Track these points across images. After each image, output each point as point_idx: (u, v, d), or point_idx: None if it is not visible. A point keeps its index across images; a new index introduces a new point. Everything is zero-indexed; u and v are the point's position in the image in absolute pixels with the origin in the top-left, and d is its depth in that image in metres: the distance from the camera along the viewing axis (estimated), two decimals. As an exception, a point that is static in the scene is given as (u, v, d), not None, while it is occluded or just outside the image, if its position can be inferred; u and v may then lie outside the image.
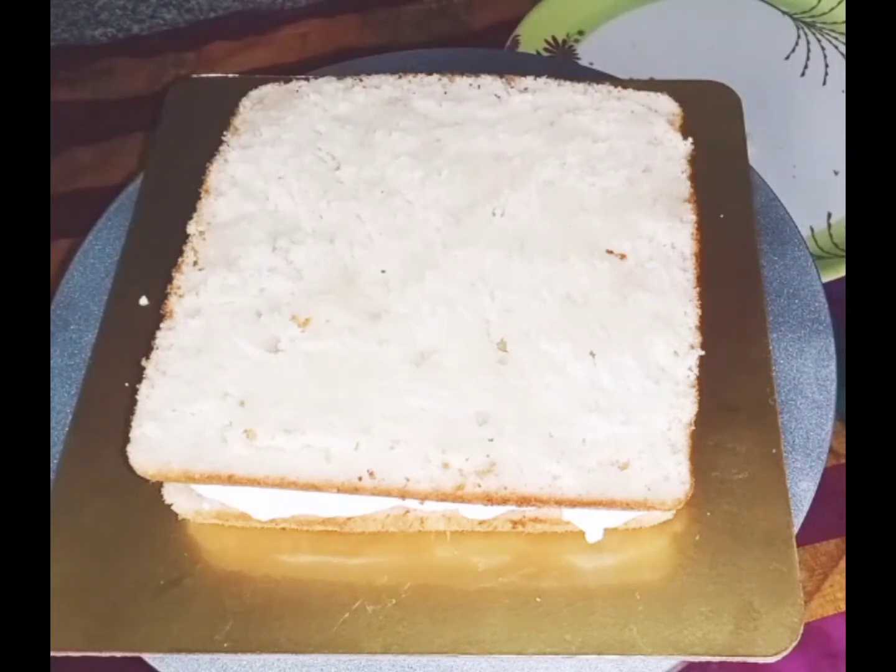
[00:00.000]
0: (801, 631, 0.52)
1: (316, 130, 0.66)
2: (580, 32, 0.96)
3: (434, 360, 0.56)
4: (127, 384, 0.59)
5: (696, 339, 0.57)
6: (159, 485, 0.56)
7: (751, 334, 0.61)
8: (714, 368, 0.57)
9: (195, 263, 0.61)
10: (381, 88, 0.69)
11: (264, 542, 0.57)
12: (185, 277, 0.60)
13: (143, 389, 0.56)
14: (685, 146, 0.65)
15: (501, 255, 0.60)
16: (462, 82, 0.69)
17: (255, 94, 0.69)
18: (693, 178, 0.64)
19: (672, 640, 0.52)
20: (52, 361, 0.64)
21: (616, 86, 0.69)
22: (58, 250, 0.81)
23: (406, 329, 0.57)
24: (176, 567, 0.56)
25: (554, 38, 0.95)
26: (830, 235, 0.81)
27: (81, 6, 1.05)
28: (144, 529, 0.57)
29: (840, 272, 0.76)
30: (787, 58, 0.93)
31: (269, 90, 0.70)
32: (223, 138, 0.66)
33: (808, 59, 0.93)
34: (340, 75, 0.70)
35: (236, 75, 0.80)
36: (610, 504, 0.53)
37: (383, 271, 0.59)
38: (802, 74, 0.92)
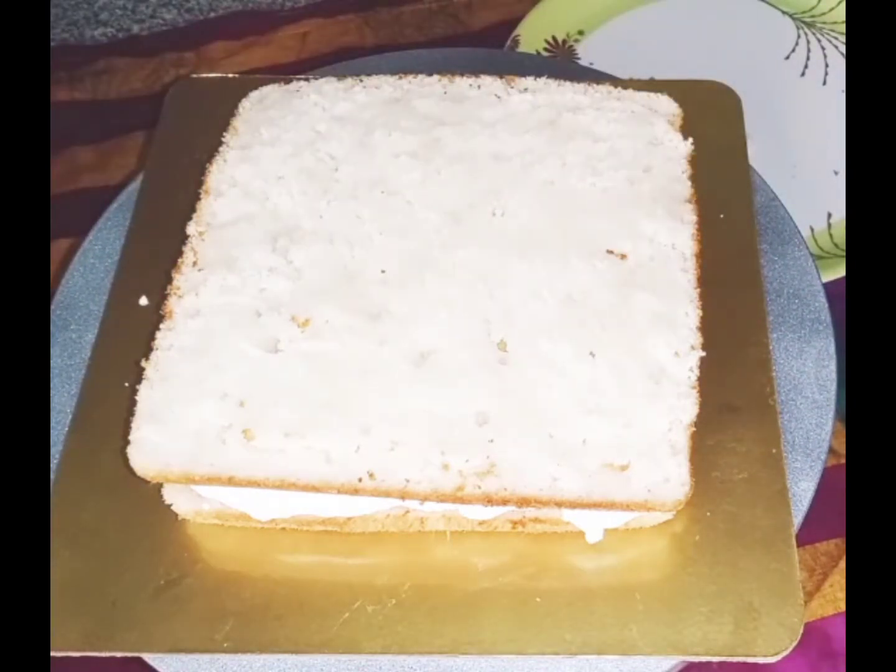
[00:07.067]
0: (801, 631, 0.52)
1: (316, 130, 0.66)
2: (580, 32, 0.96)
3: (434, 360, 0.56)
4: (127, 384, 0.59)
5: (696, 339, 0.57)
6: (159, 485, 0.56)
7: (751, 334, 0.61)
8: (714, 368, 0.57)
9: (194, 264, 0.60)
10: (381, 88, 0.69)
11: (264, 542, 0.57)
12: (184, 278, 0.60)
13: (143, 390, 0.56)
14: (685, 146, 0.65)
15: (501, 256, 0.60)
16: (462, 82, 0.69)
17: (255, 94, 0.69)
18: (693, 178, 0.64)
19: (672, 640, 0.52)
20: (52, 361, 0.64)
21: (616, 86, 0.69)
22: (58, 250, 0.81)
23: (406, 329, 0.57)
24: (176, 567, 0.56)
25: (554, 38, 0.95)
26: (830, 235, 0.81)
27: (81, 6, 1.05)
28: (144, 529, 0.57)
29: (840, 272, 0.76)
30: (787, 58, 0.93)
31: (269, 90, 0.70)
32: (223, 138, 0.66)
33: (808, 59, 0.93)
34: (340, 75, 0.70)
35: (236, 75, 0.80)
36: (610, 505, 0.53)
37: (383, 271, 0.59)
38: (802, 74, 0.92)
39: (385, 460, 0.53)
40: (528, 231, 0.61)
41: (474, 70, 0.69)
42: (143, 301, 0.63)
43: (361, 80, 0.69)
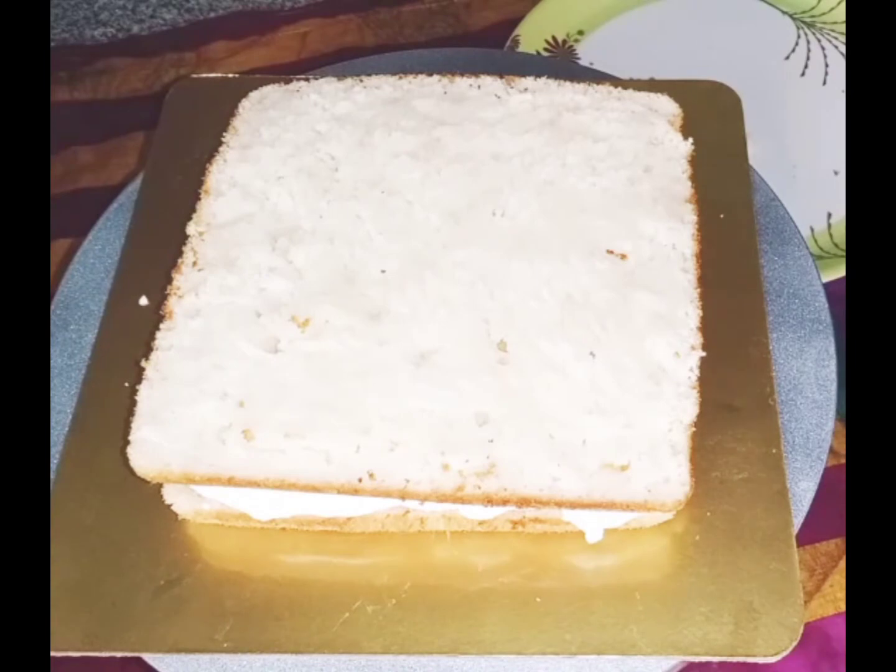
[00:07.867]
0: (801, 631, 0.52)
1: (316, 130, 0.66)
2: (580, 32, 0.96)
3: (434, 360, 0.56)
4: (127, 384, 0.59)
5: (697, 340, 0.57)
6: (159, 485, 0.56)
7: (751, 334, 0.61)
8: (714, 368, 0.57)
9: (194, 264, 0.60)
10: (381, 88, 0.69)
11: (264, 542, 0.57)
12: (184, 278, 0.60)
13: (143, 390, 0.56)
14: (685, 146, 0.65)
15: (501, 256, 0.60)
16: (462, 82, 0.69)
17: (255, 94, 0.69)
18: (693, 178, 0.64)
19: (672, 640, 0.52)
20: (52, 361, 0.64)
21: (616, 86, 0.69)
22: (58, 250, 0.81)
23: (406, 329, 0.57)
24: (176, 567, 0.56)
25: (554, 38, 0.95)
26: (830, 235, 0.81)
27: (81, 6, 1.05)
28: (144, 529, 0.57)
29: (840, 272, 0.76)
30: (787, 58, 0.93)
31: (269, 90, 0.70)
32: (223, 138, 0.66)
33: (808, 59, 0.93)
34: (340, 75, 0.70)
35: (236, 75, 0.80)
36: (610, 505, 0.53)
37: (383, 271, 0.59)
38: (802, 74, 0.92)
39: (385, 460, 0.53)
40: (528, 231, 0.61)
41: (474, 70, 0.70)
42: (143, 301, 0.63)
43: (361, 80, 0.69)
